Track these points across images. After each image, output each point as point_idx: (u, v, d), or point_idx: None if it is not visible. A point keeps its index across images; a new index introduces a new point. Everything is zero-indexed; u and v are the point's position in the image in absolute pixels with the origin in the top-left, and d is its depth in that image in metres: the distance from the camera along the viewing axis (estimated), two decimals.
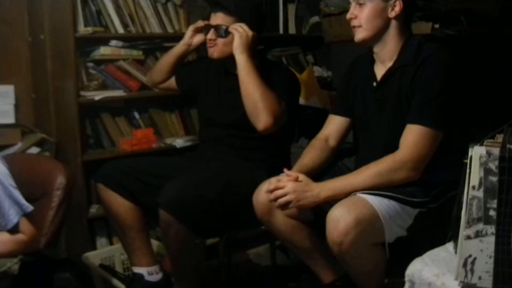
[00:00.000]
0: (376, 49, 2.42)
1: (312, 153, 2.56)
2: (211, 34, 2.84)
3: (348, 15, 2.41)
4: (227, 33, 2.79)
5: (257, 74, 2.68)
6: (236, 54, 2.69)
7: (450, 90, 2.26)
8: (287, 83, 2.85)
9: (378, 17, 2.34)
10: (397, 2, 2.32)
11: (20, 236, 2.22)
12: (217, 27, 2.82)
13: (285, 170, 2.39)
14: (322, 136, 2.63)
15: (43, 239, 2.46)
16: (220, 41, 2.82)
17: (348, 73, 2.65)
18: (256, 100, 2.63)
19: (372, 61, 2.48)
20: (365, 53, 2.55)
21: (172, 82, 3.15)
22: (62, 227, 2.58)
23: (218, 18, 2.83)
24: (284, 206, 2.29)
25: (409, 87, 2.30)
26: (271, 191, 2.31)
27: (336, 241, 2.06)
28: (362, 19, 2.36)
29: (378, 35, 2.38)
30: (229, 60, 2.84)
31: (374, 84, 2.43)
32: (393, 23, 2.36)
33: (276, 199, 2.29)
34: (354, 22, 2.39)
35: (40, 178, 2.59)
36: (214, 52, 2.86)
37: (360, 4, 2.35)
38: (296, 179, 2.31)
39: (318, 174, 2.48)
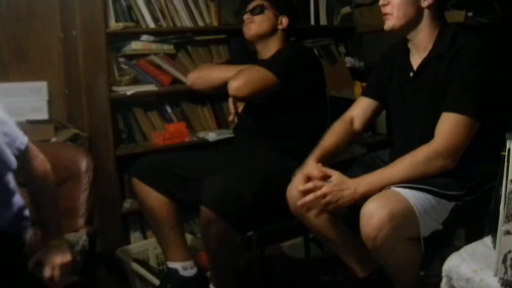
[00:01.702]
0: (410, 38, 2.39)
1: (332, 137, 2.55)
2: (247, 15, 2.99)
3: (381, 1, 2.38)
4: (262, 10, 2.95)
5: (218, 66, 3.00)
6: None
7: (487, 78, 2.22)
8: (281, 57, 2.90)
9: (410, 6, 2.31)
10: None
11: (41, 155, 2.22)
12: (252, 9, 2.98)
13: (318, 166, 2.38)
14: (347, 117, 2.62)
15: (81, 220, 2.56)
16: (256, 18, 2.96)
17: (383, 61, 2.62)
18: (221, 78, 2.81)
19: (407, 51, 2.45)
20: (399, 42, 2.51)
21: None
22: (94, 210, 2.68)
23: (253, 3, 3.01)
24: (323, 207, 2.26)
25: (445, 77, 2.26)
26: (306, 193, 2.28)
27: (370, 236, 2.04)
28: (394, 7, 2.33)
29: (409, 24, 2.34)
30: (261, 42, 2.99)
31: (411, 74, 2.40)
32: (426, 12, 2.33)
33: (313, 199, 2.26)
34: (386, 9, 2.36)
35: (63, 163, 2.68)
36: (251, 29, 2.98)
37: None
38: (326, 176, 2.29)
39: (347, 165, 2.45)
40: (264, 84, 2.72)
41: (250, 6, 3.01)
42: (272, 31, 2.97)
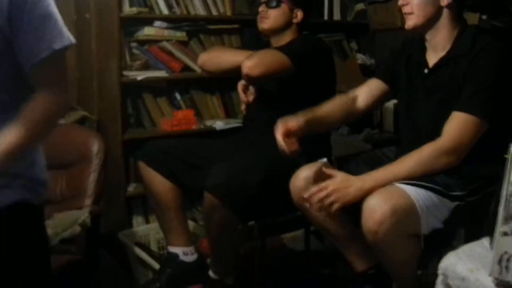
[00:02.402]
0: (428, 36, 2.40)
1: (329, 106, 2.56)
2: (262, 7, 2.96)
3: (400, 1, 2.38)
4: (278, 3, 2.92)
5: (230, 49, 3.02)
6: None
7: (501, 83, 2.23)
8: (295, 45, 2.88)
9: (430, 5, 2.32)
10: None
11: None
12: (268, 1, 2.94)
13: (325, 160, 2.39)
14: (351, 93, 2.62)
15: (89, 200, 2.63)
16: (271, 12, 2.93)
17: (399, 51, 2.61)
18: (232, 61, 2.79)
19: (423, 48, 2.45)
20: (415, 38, 2.52)
21: None
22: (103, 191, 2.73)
23: None
24: (330, 206, 2.26)
25: (462, 77, 2.27)
26: (311, 195, 2.28)
27: (371, 230, 2.05)
28: (414, 6, 2.33)
29: (429, 23, 2.35)
30: (275, 36, 2.97)
31: (426, 71, 2.41)
32: (445, 12, 2.33)
33: (319, 201, 2.27)
34: (406, 9, 2.36)
35: (74, 144, 2.79)
36: (265, 23, 2.96)
37: None
38: (331, 175, 2.29)
39: (351, 160, 2.46)
40: (278, 65, 2.70)
41: None
42: (287, 25, 2.97)
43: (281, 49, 2.78)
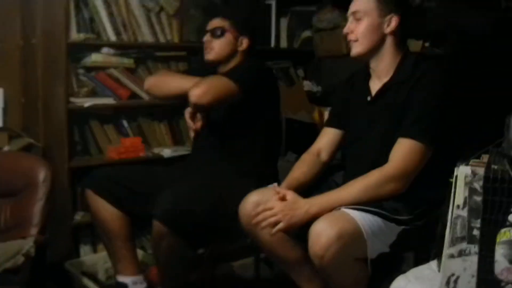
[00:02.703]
0: (372, 64, 2.45)
1: (303, 167, 2.56)
2: (207, 37, 2.94)
3: (345, 30, 2.44)
4: (223, 33, 2.91)
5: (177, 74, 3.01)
6: None
7: (444, 108, 2.29)
8: (241, 70, 2.88)
9: (374, 32, 2.37)
10: (393, 19, 2.35)
11: None
12: (213, 30, 2.93)
13: (275, 186, 2.41)
14: (314, 149, 2.63)
15: (34, 229, 2.57)
16: (216, 42, 2.92)
17: (344, 87, 2.66)
18: (179, 87, 2.77)
19: (367, 76, 2.50)
20: (361, 68, 2.56)
21: None
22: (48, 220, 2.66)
23: (214, 23, 2.95)
24: (274, 226, 2.28)
25: (403, 104, 2.31)
26: (258, 213, 2.30)
27: (318, 254, 2.06)
28: (358, 34, 2.38)
29: (374, 50, 2.40)
30: (222, 64, 2.96)
31: (368, 98, 2.45)
32: (389, 39, 2.39)
33: (264, 220, 2.28)
34: (351, 37, 2.41)
35: (20, 172, 2.72)
36: (211, 54, 2.94)
37: (357, 19, 2.38)
38: (284, 198, 2.31)
39: (308, 189, 2.48)
40: (225, 92, 2.68)
41: (211, 25, 2.97)
42: (233, 53, 2.96)
43: (227, 75, 2.78)
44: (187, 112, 2.89)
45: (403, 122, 2.30)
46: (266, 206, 2.29)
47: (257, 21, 4.10)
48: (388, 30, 2.37)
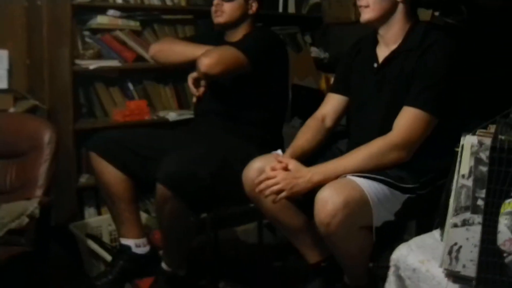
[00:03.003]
0: (381, 31, 2.41)
1: (307, 134, 2.55)
2: (217, 0, 2.87)
3: None
4: None
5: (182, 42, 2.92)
6: None
7: (451, 78, 2.26)
8: (251, 41, 2.83)
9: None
10: None
11: None
12: None
13: (279, 152, 2.40)
14: (319, 115, 2.62)
15: (39, 190, 2.58)
16: (227, 5, 2.86)
17: (350, 52, 2.63)
18: (185, 55, 2.76)
19: (375, 42, 2.47)
20: (368, 34, 2.54)
21: None
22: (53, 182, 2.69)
23: None
24: (277, 194, 2.27)
25: (411, 72, 2.29)
26: (261, 182, 2.29)
27: (324, 222, 2.06)
28: (370, 0, 2.35)
29: (384, 17, 2.36)
30: (231, 29, 2.92)
31: (375, 65, 2.42)
32: (400, 6, 2.35)
33: (267, 188, 2.28)
34: (362, 2, 2.37)
35: (25, 133, 2.74)
36: (221, 17, 2.88)
37: None
38: (286, 167, 2.30)
39: (313, 156, 2.47)
40: (235, 63, 2.65)
41: None
42: (243, 17, 2.91)
43: (237, 45, 2.73)
44: (190, 77, 2.87)
45: (410, 90, 2.27)
46: (269, 174, 2.29)
47: None
48: None
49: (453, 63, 2.28)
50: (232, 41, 2.88)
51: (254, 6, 2.92)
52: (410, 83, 2.29)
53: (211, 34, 3.01)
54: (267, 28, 3.03)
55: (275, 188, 2.24)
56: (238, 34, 2.92)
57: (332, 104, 2.63)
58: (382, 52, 2.42)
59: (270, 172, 2.29)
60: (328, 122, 2.61)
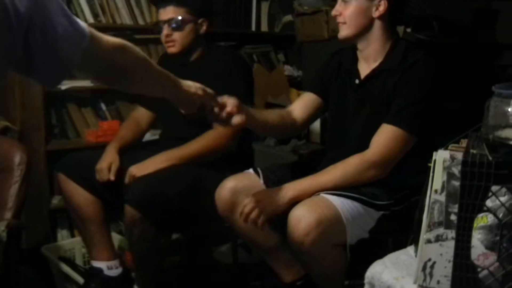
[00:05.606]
0: (360, 46, 2.42)
1: (267, 111, 2.58)
2: (166, 30, 2.80)
3: (333, 12, 2.41)
4: (182, 24, 2.77)
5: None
6: None
7: (431, 98, 2.27)
8: (238, 76, 2.80)
9: (362, 16, 2.34)
10: (382, 2, 2.32)
11: None
12: (170, 21, 2.78)
13: (250, 172, 2.40)
14: (288, 108, 2.60)
15: (8, 213, 2.50)
16: (177, 34, 2.80)
17: (330, 63, 2.62)
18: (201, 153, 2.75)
19: (355, 58, 2.47)
20: (347, 47, 2.54)
21: None
22: (24, 204, 2.61)
23: (169, 12, 2.79)
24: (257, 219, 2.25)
25: (392, 90, 2.30)
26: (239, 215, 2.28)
27: (297, 240, 2.05)
28: (346, 17, 2.36)
29: (361, 33, 2.37)
30: (187, 54, 2.89)
31: (357, 81, 2.42)
32: (377, 23, 2.36)
33: (246, 218, 2.25)
34: (339, 19, 2.39)
35: None
36: (175, 47, 2.83)
37: (345, 2, 2.35)
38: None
39: (290, 174, 2.46)
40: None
41: (165, 15, 2.80)
42: (196, 40, 2.85)
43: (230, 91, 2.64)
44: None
45: (390, 109, 2.28)
46: (243, 203, 2.27)
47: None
48: (376, 14, 2.34)
49: (433, 82, 2.29)
50: (192, 60, 2.87)
51: (204, 25, 2.86)
52: (390, 102, 2.30)
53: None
54: (228, 51, 2.99)
55: (253, 215, 2.23)
56: (194, 55, 2.90)
57: (303, 100, 2.62)
58: (363, 69, 2.43)
59: (244, 200, 2.27)
60: (295, 116, 2.56)
